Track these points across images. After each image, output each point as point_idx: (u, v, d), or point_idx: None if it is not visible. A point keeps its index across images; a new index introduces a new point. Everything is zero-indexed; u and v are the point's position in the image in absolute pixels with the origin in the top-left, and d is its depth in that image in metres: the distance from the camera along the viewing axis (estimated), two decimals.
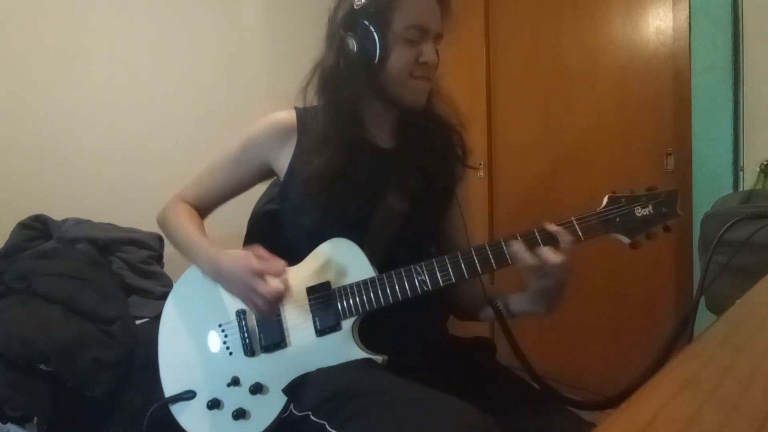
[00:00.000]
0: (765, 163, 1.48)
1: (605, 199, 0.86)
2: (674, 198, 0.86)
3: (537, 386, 0.92)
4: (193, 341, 0.98)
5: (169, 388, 0.97)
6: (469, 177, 1.10)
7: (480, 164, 2.36)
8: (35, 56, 1.79)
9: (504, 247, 0.84)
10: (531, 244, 0.82)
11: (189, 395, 0.95)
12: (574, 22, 2.04)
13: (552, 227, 0.83)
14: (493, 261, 0.84)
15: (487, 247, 0.85)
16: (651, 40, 1.83)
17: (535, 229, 0.84)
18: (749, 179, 1.52)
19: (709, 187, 1.59)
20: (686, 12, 1.68)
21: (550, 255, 0.80)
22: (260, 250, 0.90)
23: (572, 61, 2.05)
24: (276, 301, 0.88)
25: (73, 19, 1.87)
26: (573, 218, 0.84)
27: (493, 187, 2.36)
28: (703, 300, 1.21)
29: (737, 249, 0.94)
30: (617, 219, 0.84)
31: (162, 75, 2.09)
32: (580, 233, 0.83)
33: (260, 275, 0.87)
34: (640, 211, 0.85)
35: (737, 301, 0.64)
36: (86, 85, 1.90)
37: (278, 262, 0.88)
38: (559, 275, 0.81)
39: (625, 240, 0.85)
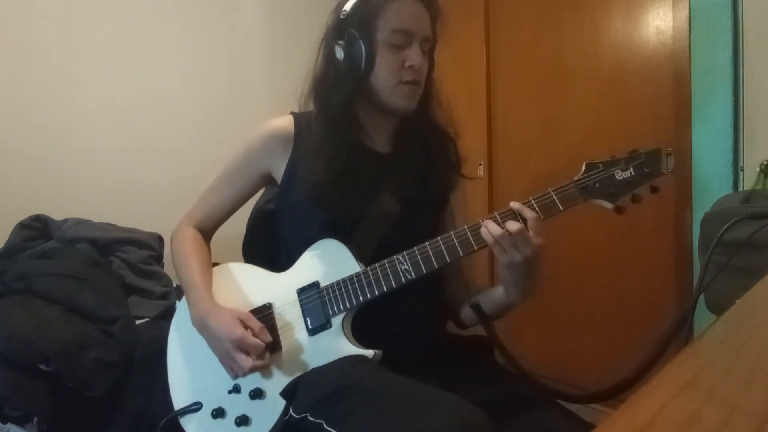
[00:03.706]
0: (765, 163, 1.48)
1: (583, 167, 0.84)
2: (656, 157, 0.82)
3: (529, 382, 0.92)
4: (197, 353, 1.00)
5: (178, 400, 1.00)
6: (467, 180, 1.10)
7: (480, 164, 2.36)
8: (35, 56, 1.79)
9: (482, 225, 0.84)
10: (507, 220, 0.82)
11: (196, 407, 0.97)
12: (574, 22, 2.04)
13: (515, 204, 0.82)
14: (472, 240, 0.84)
15: (467, 228, 0.85)
16: (651, 40, 1.82)
17: (496, 212, 0.83)
18: (749, 179, 1.52)
19: (709, 187, 1.58)
20: (686, 12, 1.67)
21: (512, 224, 0.80)
22: (250, 320, 0.90)
23: (572, 61, 2.05)
24: (249, 374, 0.89)
25: (73, 19, 1.87)
26: (550, 189, 0.83)
27: (493, 187, 2.36)
28: (703, 300, 1.22)
29: (737, 249, 0.94)
30: (596, 185, 0.82)
31: (162, 75, 2.09)
32: (558, 204, 0.82)
33: (242, 349, 0.87)
34: (620, 174, 0.82)
35: (737, 301, 0.64)
36: (86, 85, 1.90)
37: (260, 343, 0.87)
38: (524, 249, 0.80)
39: (608, 205, 0.82)
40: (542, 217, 0.82)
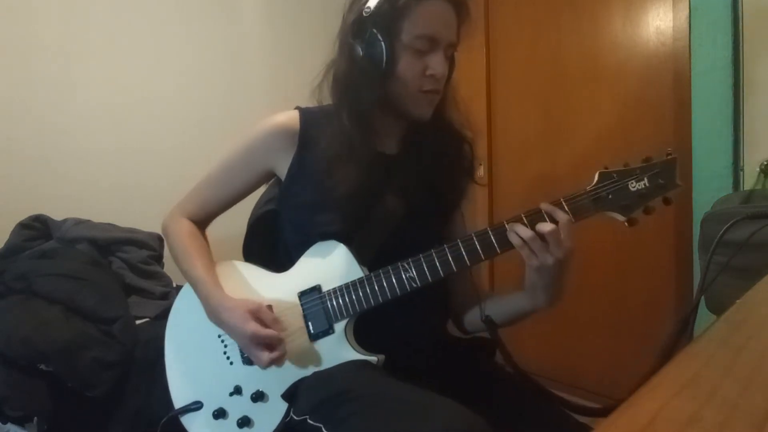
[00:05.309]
0: (765, 163, 1.48)
1: (596, 176, 0.80)
2: (672, 167, 0.78)
3: (533, 390, 0.91)
4: (196, 352, 1.00)
5: (178, 399, 1.00)
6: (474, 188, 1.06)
7: (480, 164, 2.36)
8: (35, 56, 1.79)
9: (490, 234, 0.81)
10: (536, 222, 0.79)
11: (196, 406, 0.97)
12: (574, 22, 2.04)
13: (546, 206, 0.79)
14: (480, 249, 0.81)
15: (474, 236, 0.82)
16: (651, 40, 1.83)
17: (521, 214, 0.80)
18: (749, 179, 1.52)
19: (709, 187, 1.58)
20: (686, 12, 1.67)
21: (544, 226, 0.77)
22: (261, 311, 0.88)
23: (572, 61, 2.05)
24: (269, 366, 0.88)
25: (73, 19, 1.86)
26: (562, 199, 0.80)
27: (493, 187, 2.36)
28: (703, 300, 1.21)
29: (737, 249, 0.94)
30: (609, 196, 0.79)
31: (162, 75, 2.09)
32: (570, 214, 0.79)
33: (257, 344, 0.86)
34: (634, 185, 0.78)
35: (737, 301, 0.64)
36: (86, 85, 1.90)
37: (273, 334, 0.86)
38: (557, 252, 0.77)
39: (620, 218, 0.79)
40: (574, 220, 0.79)
